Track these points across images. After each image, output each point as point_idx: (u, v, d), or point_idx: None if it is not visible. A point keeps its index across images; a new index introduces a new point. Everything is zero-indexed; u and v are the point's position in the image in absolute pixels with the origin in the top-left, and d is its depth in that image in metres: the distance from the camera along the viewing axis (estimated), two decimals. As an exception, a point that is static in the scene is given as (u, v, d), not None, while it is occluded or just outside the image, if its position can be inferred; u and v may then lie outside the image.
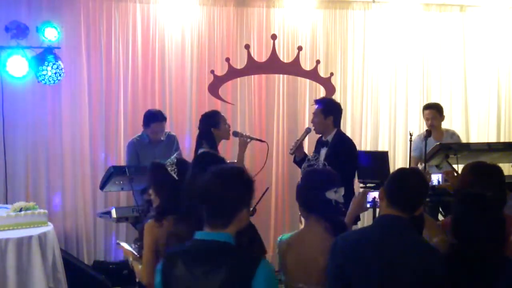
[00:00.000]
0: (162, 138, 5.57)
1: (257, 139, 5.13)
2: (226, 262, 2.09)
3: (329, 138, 4.79)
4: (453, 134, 5.98)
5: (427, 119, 5.85)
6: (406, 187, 2.51)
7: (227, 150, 6.00)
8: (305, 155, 5.04)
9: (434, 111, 5.85)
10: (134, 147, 5.51)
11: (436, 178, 4.71)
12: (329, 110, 4.81)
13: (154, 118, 5.43)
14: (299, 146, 4.83)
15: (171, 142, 5.64)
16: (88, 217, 6.18)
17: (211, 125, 4.72)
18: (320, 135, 4.98)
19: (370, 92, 6.97)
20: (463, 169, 3.43)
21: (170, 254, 2.26)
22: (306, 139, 5.46)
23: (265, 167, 4.76)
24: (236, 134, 4.89)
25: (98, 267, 5.84)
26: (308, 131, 4.99)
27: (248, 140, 4.85)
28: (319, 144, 4.93)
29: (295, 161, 5.10)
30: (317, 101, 5.04)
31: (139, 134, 5.64)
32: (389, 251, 2.39)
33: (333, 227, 2.74)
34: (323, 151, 4.78)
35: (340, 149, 4.68)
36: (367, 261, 2.40)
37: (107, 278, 5.44)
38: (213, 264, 2.10)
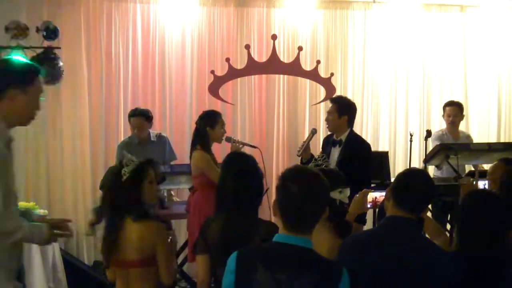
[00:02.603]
0: (152, 139, 5.60)
1: (249, 145, 5.14)
2: (311, 268, 2.03)
3: (342, 137, 4.74)
4: (468, 136, 6.03)
5: (448, 116, 5.87)
6: (413, 188, 2.51)
7: (223, 154, 5.98)
8: (312, 156, 5.00)
9: (456, 108, 5.88)
10: (122, 148, 5.49)
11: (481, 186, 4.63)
12: (344, 109, 4.74)
13: (132, 112, 5.55)
14: (306, 148, 4.79)
15: (163, 143, 5.65)
16: (88, 217, 6.18)
17: (207, 124, 4.72)
18: (329, 134, 4.94)
19: (370, 92, 6.97)
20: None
21: (244, 256, 2.13)
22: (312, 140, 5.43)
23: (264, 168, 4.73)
24: (229, 139, 4.89)
25: (98, 267, 5.83)
26: (314, 132, 4.94)
27: (241, 146, 4.86)
28: (329, 143, 4.87)
29: (302, 163, 5.06)
30: (332, 100, 4.98)
31: (129, 135, 5.68)
32: (399, 253, 2.41)
33: (338, 227, 2.74)
34: (334, 150, 4.72)
35: (358, 151, 4.64)
36: (377, 262, 2.41)
37: (107, 278, 5.43)
38: (298, 269, 2.03)
